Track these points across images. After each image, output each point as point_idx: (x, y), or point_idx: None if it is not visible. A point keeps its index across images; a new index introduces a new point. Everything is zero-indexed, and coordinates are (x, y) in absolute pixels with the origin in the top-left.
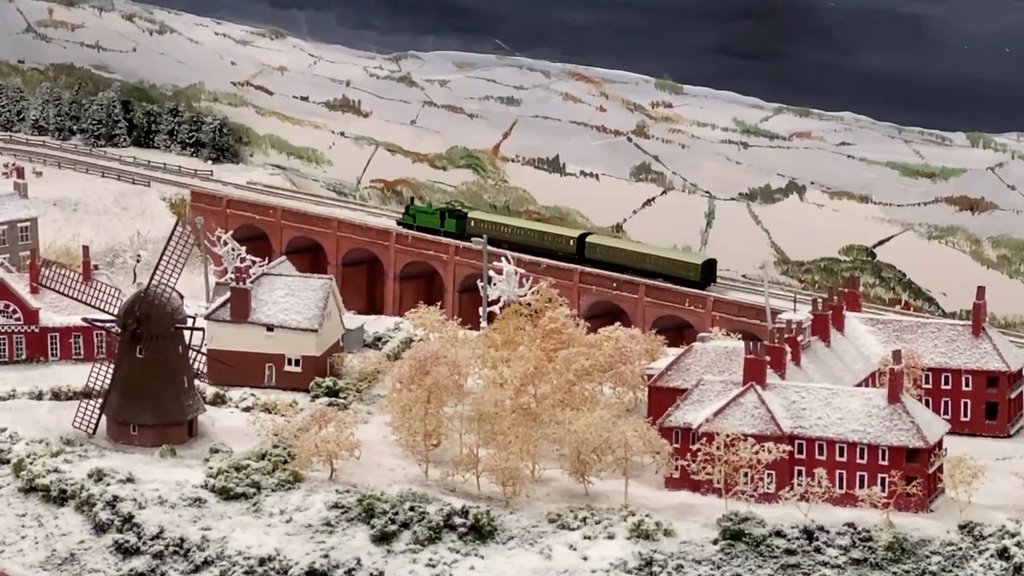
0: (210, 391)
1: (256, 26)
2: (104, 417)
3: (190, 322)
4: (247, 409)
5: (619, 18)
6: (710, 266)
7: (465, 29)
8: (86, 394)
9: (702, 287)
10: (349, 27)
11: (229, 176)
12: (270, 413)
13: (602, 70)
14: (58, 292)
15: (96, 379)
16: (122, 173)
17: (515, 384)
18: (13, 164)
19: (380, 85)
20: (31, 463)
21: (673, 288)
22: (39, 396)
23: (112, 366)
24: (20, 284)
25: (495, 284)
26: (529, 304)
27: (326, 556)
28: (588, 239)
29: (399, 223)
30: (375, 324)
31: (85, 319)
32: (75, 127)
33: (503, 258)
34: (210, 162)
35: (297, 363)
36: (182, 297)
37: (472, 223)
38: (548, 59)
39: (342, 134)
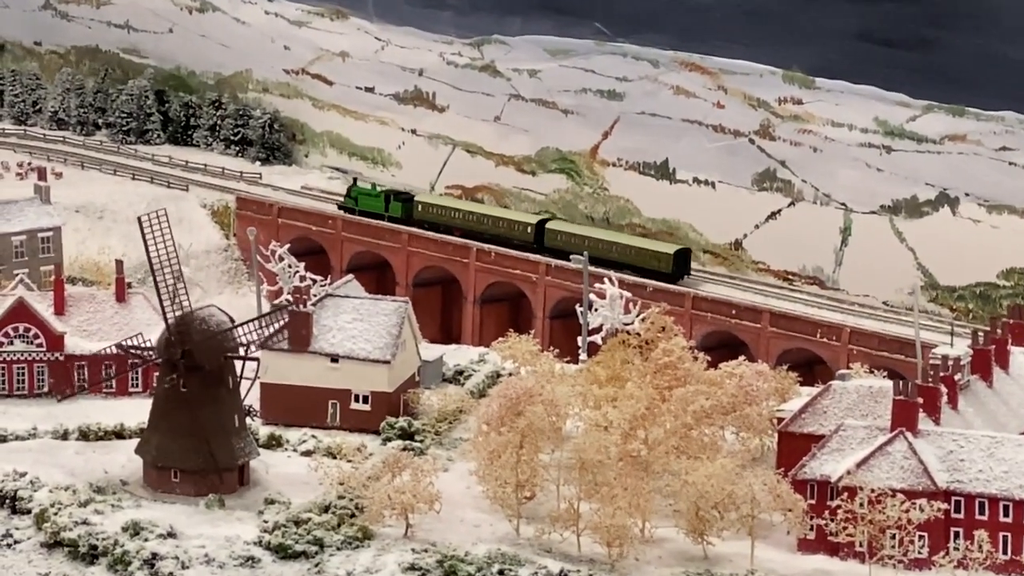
0: (264, 432)
1: (314, 4)
2: (141, 461)
3: (242, 351)
4: (307, 453)
5: None
6: (684, 256)
7: (560, 9)
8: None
9: (674, 280)
10: (423, 6)
11: (280, 180)
12: (334, 458)
13: (720, 59)
14: None
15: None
16: (156, 175)
17: (623, 427)
18: (29, 163)
19: (458, 75)
20: (55, 514)
21: (802, 316)
22: (64, 435)
23: (150, 402)
24: (42, 304)
25: (596, 310)
26: (638, 333)
27: None
28: (548, 225)
29: (339, 207)
30: (455, 355)
31: (119, 345)
32: (101, 121)
33: (606, 279)
34: (258, 163)
35: (366, 400)
36: (234, 322)
37: (420, 207)
38: (657, 46)
39: (413, 132)
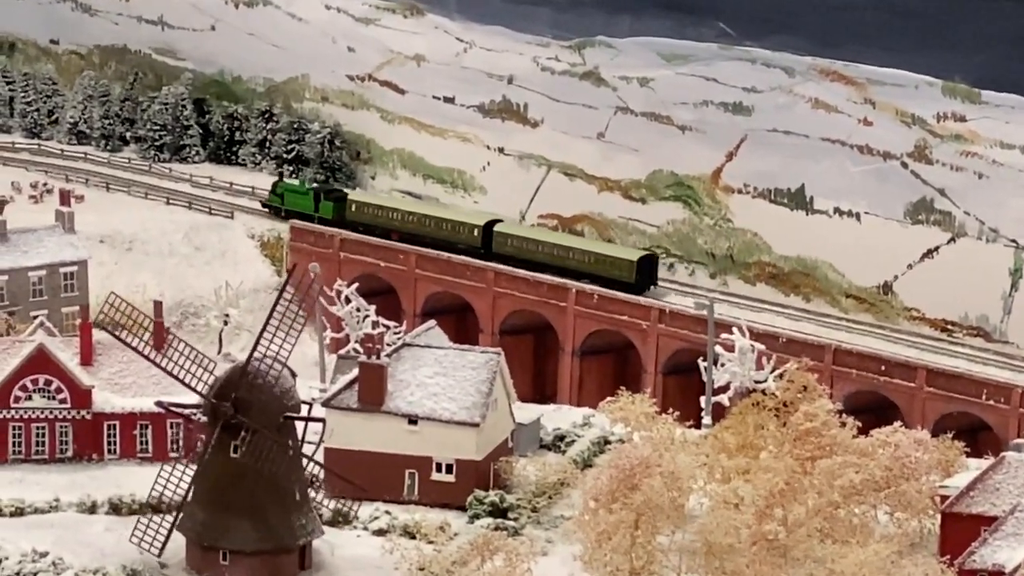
0: (329, 506)
1: None
2: (181, 538)
3: (305, 410)
4: (380, 532)
5: None
6: (649, 264)
7: (677, 7)
8: (154, 507)
9: (639, 291)
10: (514, 1)
11: None
12: (412, 539)
13: (868, 67)
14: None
15: (167, 485)
16: (194, 199)
17: (757, 505)
18: (45, 184)
19: (556, 83)
20: None
21: (965, 374)
22: (92, 508)
23: (193, 468)
24: (66, 352)
25: (723, 365)
26: (774, 394)
27: None
28: (497, 228)
29: (263, 204)
30: (554, 417)
31: (160, 403)
32: (129, 134)
33: (735, 329)
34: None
35: (449, 469)
36: (295, 375)
37: (353, 207)
38: (792, 50)
39: (500, 150)
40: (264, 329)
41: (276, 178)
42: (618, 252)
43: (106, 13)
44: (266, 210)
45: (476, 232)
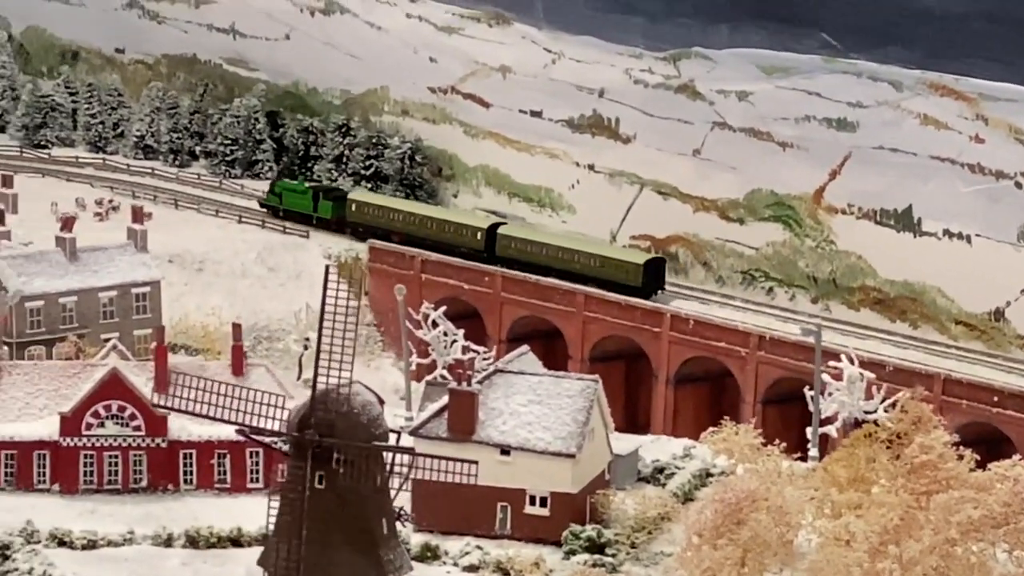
0: (417, 540)
1: (469, 6)
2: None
3: (392, 439)
4: (471, 569)
5: (1011, 5)
6: (657, 268)
7: (777, 17)
8: (234, 541)
9: (646, 295)
10: (604, 10)
11: None
12: (505, 575)
13: (979, 81)
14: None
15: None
16: (268, 218)
17: (870, 542)
18: (110, 201)
19: (649, 96)
20: None
21: None
22: (167, 542)
23: (276, 500)
24: (140, 377)
25: (830, 394)
26: (887, 425)
27: None
28: (501, 231)
29: (261, 204)
30: (653, 448)
31: (241, 431)
32: (199, 149)
33: (843, 356)
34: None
35: (544, 503)
36: (382, 402)
37: (353, 207)
38: (900, 63)
39: (590, 167)
40: (345, 353)
41: (275, 177)
42: (624, 255)
43: (174, 21)
44: (264, 210)
45: (479, 236)
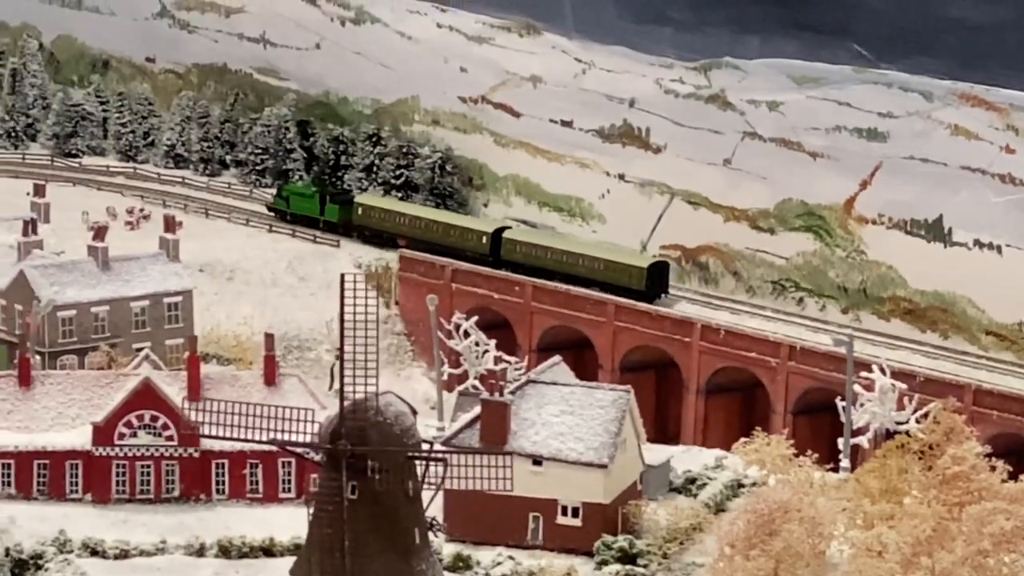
0: (449, 551)
1: (499, 16)
2: None
3: (425, 449)
4: None
5: None
6: (660, 271)
7: (808, 27)
8: (266, 551)
9: (649, 299)
10: (635, 20)
11: None
12: None
13: (1011, 92)
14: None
15: None
16: (297, 228)
17: (903, 553)
18: (141, 210)
19: (679, 106)
20: None
21: None
22: (200, 551)
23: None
24: (173, 387)
25: (862, 405)
26: (919, 435)
27: None
28: (506, 234)
29: (269, 208)
30: (684, 459)
31: (275, 440)
32: (229, 158)
33: (875, 367)
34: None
35: (576, 513)
36: (415, 413)
37: (360, 210)
38: (931, 73)
39: (621, 177)
40: (369, 363)
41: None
42: (628, 259)
43: (205, 30)
44: (272, 214)
45: (484, 239)
